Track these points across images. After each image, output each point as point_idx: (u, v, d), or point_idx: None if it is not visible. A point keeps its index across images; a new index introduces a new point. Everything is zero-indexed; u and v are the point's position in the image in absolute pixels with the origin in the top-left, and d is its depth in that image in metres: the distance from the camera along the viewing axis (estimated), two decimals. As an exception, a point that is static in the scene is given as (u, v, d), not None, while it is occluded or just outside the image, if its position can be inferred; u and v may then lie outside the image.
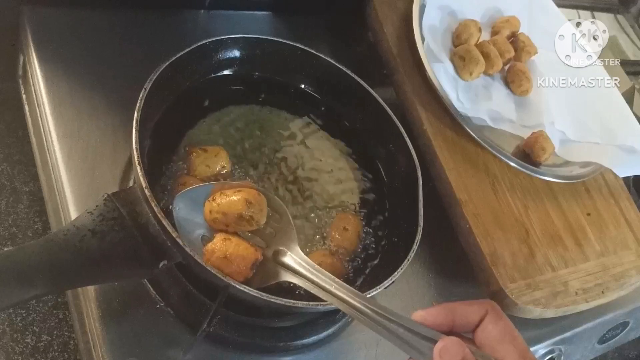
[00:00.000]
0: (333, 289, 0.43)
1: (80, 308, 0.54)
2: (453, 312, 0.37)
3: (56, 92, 0.61)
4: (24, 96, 0.69)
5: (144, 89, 0.51)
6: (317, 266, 0.46)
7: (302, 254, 0.48)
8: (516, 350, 0.35)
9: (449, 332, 0.37)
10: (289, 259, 0.48)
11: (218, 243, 0.48)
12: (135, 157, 0.47)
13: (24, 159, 0.69)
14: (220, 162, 0.56)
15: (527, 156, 0.77)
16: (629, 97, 0.95)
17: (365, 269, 0.58)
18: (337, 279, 0.44)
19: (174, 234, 0.45)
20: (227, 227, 0.49)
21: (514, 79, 0.80)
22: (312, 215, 0.59)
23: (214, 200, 0.49)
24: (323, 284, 0.44)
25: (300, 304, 0.49)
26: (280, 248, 0.50)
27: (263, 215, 0.50)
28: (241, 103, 0.63)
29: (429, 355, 0.35)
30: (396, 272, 0.52)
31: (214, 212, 0.49)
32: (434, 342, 0.36)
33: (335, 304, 0.42)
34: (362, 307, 0.40)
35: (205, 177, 0.55)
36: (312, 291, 0.44)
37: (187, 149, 0.57)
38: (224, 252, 0.47)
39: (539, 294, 0.65)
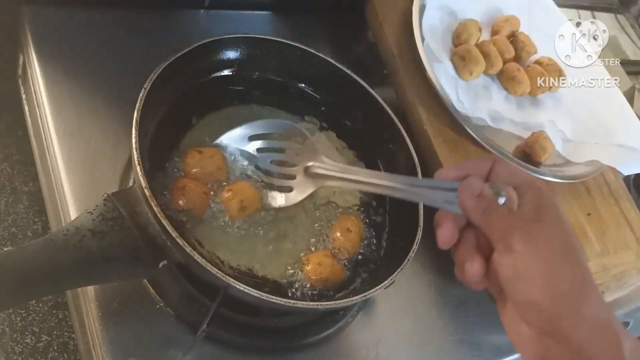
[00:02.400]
0: (363, 178, 0.49)
1: (80, 308, 0.54)
2: (466, 167, 0.42)
3: (56, 92, 0.61)
4: (23, 96, 0.69)
5: (144, 89, 0.51)
6: (344, 165, 0.55)
7: (328, 160, 0.55)
8: (525, 178, 0.41)
9: None
10: (318, 169, 0.55)
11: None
12: (135, 157, 0.47)
13: (24, 159, 0.69)
14: (216, 163, 0.56)
15: (527, 156, 0.77)
16: (629, 97, 0.94)
17: (365, 269, 0.58)
18: (364, 170, 0.52)
19: (174, 234, 0.45)
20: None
21: (507, 86, 0.80)
22: (312, 215, 0.59)
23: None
24: (354, 177, 0.51)
25: (300, 304, 0.49)
26: (309, 164, 0.56)
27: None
28: (241, 103, 0.63)
29: (455, 201, 0.40)
30: (396, 272, 0.52)
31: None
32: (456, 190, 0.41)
33: (369, 189, 0.50)
34: (392, 184, 0.46)
35: (201, 179, 0.55)
36: (346, 186, 0.53)
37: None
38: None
39: (539, 294, 0.65)
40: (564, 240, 0.38)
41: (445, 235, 0.42)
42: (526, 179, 0.40)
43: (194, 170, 0.55)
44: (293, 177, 0.57)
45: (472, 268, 0.40)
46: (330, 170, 0.54)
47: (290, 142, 0.58)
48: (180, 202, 0.52)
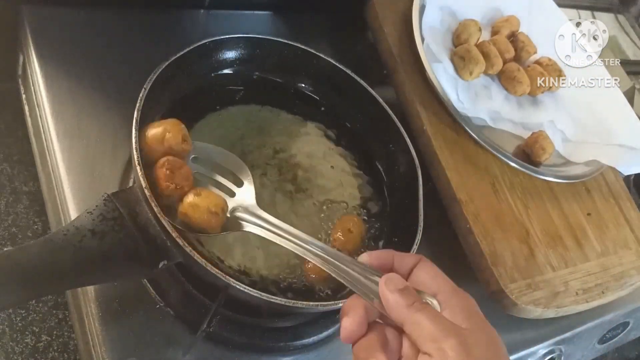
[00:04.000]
0: (289, 236, 0.47)
1: (80, 308, 0.54)
2: (392, 256, 0.41)
3: (56, 92, 0.61)
4: (23, 96, 0.69)
5: (143, 89, 0.51)
6: (274, 218, 0.49)
7: (260, 210, 0.51)
8: (448, 284, 0.39)
9: None
10: (246, 213, 0.51)
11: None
12: (135, 157, 0.47)
13: (24, 159, 0.69)
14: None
15: (527, 156, 0.77)
16: (629, 97, 0.94)
17: (365, 269, 0.58)
18: (293, 228, 0.47)
19: (174, 234, 0.45)
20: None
21: (507, 86, 0.80)
22: (313, 215, 0.59)
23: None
24: (279, 232, 0.48)
25: (300, 304, 0.49)
26: (240, 206, 0.52)
27: (178, 140, 0.51)
28: (241, 103, 0.63)
29: (376, 290, 0.38)
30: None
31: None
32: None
33: (290, 249, 0.46)
34: (318, 252, 0.44)
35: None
36: (269, 238, 0.48)
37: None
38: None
39: (539, 294, 0.65)
40: (498, 349, 0.36)
41: (353, 326, 0.38)
42: (448, 284, 0.39)
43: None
44: None
45: None
46: (257, 218, 0.50)
47: (227, 178, 0.54)
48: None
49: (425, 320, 0.36)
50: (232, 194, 0.53)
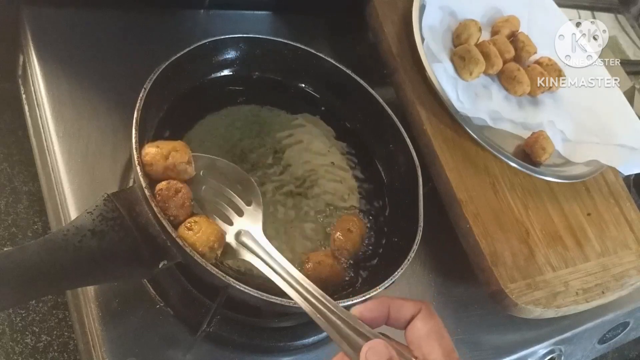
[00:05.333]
0: (284, 274, 0.46)
1: (80, 308, 0.54)
2: (388, 306, 0.39)
3: (56, 92, 0.61)
4: (23, 96, 0.69)
5: (144, 89, 0.51)
6: (275, 251, 0.48)
7: (264, 237, 0.50)
8: (441, 348, 0.37)
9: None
10: (249, 240, 0.50)
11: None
12: (135, 157, 0.47)
13: (24, 159, 0.69)
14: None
15: (527, 156, 0.77)
16: (629, 97, 0.94)
17: (365, 268, 0.58)
18: (292, 266, 0.47)
19: (174, 234, 0.45)
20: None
21: (507, 86, 0.80)
22: (313, 215, 0.59)
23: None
24: (278, 269, 0.47)
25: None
26: (244, 229, 0.51)
27: (184, 159, 0.50)
28: (241, 103, 0.63)
29: (359, 347, 0.37)
30: (396, 272, 0.52)
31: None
32: (368, 339, 0.38)
33: (281, 287, 0.45)
34: (309, 297, 0.43)
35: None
36: (264, 272, 0.47)
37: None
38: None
39: (539, 294, 0.65)
40: None
41: None
42: (441, 348, 0.37)
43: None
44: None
45: None
46: (258, 247, 0.49)
47: (237, 197, 0.53)
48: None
49: None
50: (240, 213, 0.52)
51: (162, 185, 0.48)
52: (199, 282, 0.54)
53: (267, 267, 0.48)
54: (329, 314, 0.41)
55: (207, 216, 0.50)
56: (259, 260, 0.48)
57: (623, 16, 1.23)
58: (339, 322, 0.40)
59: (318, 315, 0.41)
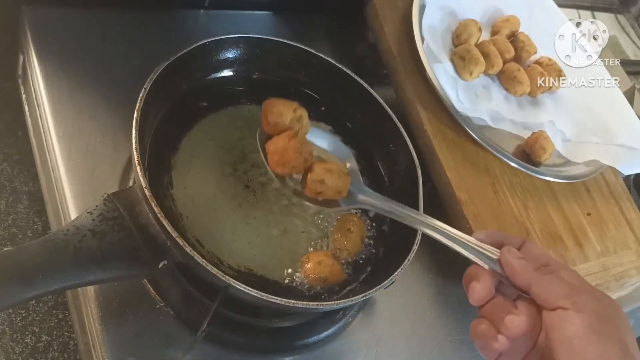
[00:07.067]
0: (403, 213, 0.51)
1: (80, 308, 0.54)
2: (502, 236, 0.44)
3: (56, 92, 0.61)
4: (24, 96, 0.69)
5: (144, 89, 0.51)
6: (386, 199, 0.54)
7: (368, 189, 0.56)
8: (555, 259, 0.43)
9: None
10: (359, 191, 0.56)
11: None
12: (135, 157, 0.47)
13: (24, 159, 0.69)
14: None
15: (527, 156, 0.77)
16: (629, 97, 0.94)
17: (365, 268, 0.58)
18: (404, 207, 0.52)
19: (174, 234, 0.45)
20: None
21: (507, 86, 0.80)
22: (313, 215, 0.59)
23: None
24: (391, 209, 0.52)
25: (300, 304, 0.49)
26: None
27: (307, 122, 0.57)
28: (241, 103, 0.63)
29: (495, 258, 0.42)
30: (396, 272, 0.52)
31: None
32: (495, 254, 0.43)
33: (408, 224, 0.50)
34: (434, 225, 0.48)
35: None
36: (384, 214, 0.54)
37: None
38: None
39: (539, 294, 0.65)
40: (617, 307, 0.40)
41: (484, 290, 0.42)
42: (555, 259, 0.43)
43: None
44: None
45: (517, 320, 0.40)
46: (371, 197, 0.55)
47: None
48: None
49: (556, 280, 0.40)
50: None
51: (292, 131, 0.54)
52: (199, 282, 0.54)
53: (383, 210, 0.53)
54: (455, 237, 0.46)
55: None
56: (374, 202, 0.54)
57: (623, 16, 1.23)
58: (465, 242, 0.45)
59: (447, 240, 0.46)
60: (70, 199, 0.56)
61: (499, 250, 0.43)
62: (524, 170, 0.74)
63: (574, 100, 0.85)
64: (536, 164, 0.77)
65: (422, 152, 0.69)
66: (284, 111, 0.55)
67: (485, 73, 0.79)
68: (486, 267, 0.42)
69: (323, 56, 0.65)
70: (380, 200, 0.54)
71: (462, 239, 0.45)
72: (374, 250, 0.59)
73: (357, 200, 0.55)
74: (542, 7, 0.91)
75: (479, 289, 0.42)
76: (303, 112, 0.56)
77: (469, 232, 0.65)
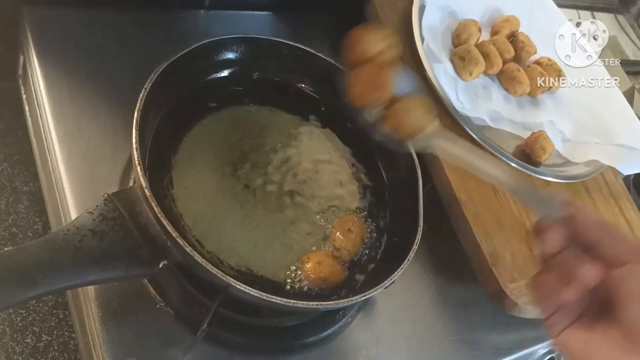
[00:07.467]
0: (481, 165, 0.48)
1: (80, 308, 0.54)
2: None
3: (56, 92, 0.61)
4: (24, 96, 0.69)
5: (144, 89, 0.51)
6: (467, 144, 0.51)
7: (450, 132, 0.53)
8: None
9: None
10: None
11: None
12: (135, 157, 0.47)
13: (24, 159, 0.69)
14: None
15: (527, 156, 0.77)
16: (629, 97, 0.94)
17: (365, 268, 0.58)
18: (486, 155, 0.49)
19: (174, 234, 0.45)
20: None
21: (506, 86, 0.80)
22: (313, 215, 0.59)
23: None
24: (469, 153, 0.49)
25: (300, 304, 0.49)
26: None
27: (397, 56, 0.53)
28: (241, 103, 0.63)
29: (557, 206, 0.41)
30: (396, 272, 0.52)
31: None
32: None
33: (484, 169, 0.48)
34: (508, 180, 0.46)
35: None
36: (462, 156, 0.49)
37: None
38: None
39: (539, 294, 0.65)
40: None
41: (558, 238, 0.41)
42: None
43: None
44: None
45: (590, 272, 0.39)
46: (449, 141, 0.51)
47: None
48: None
49: (625, 235, 0.40)
50: None
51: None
52: (199, 282, 0.54)
53: (462, 151, 0.50)
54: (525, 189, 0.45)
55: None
56: (451, 147, 0.50)
57: (623, 16, 1.23)
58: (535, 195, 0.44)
59: (518, 193, 0.46)
60: (71, 199, 0.56)
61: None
62: (523, 170, 0.74)
63: (573, 101, 0.85)
64: (536, 164, 0.77)
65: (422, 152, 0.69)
66: (374, 39, 0.53)
67: (485, 73, 0.79)
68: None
69: (323, 56, 0.65)
70: (464, 149, 0.50)
71: (531, 189, 0.45)
72: (373, 251, 0.59)
73: (433, 145, 0.51)
74: (542, 7, 0.91)
75: (553, 236, 0.41)
76: (394, 40, 0.53)
77: (469, 231, 0.66)
